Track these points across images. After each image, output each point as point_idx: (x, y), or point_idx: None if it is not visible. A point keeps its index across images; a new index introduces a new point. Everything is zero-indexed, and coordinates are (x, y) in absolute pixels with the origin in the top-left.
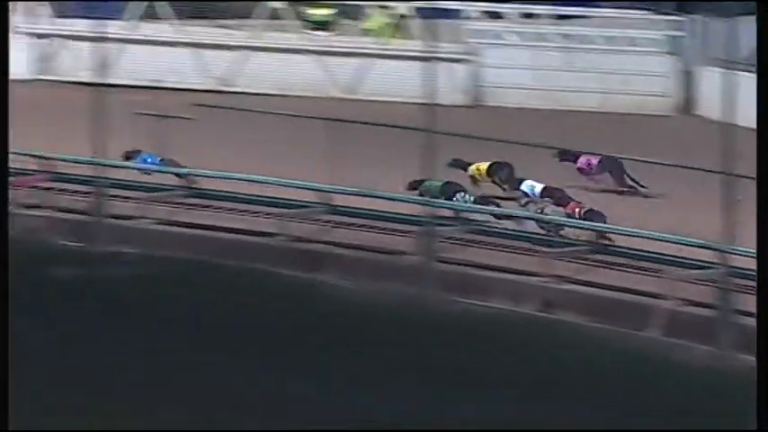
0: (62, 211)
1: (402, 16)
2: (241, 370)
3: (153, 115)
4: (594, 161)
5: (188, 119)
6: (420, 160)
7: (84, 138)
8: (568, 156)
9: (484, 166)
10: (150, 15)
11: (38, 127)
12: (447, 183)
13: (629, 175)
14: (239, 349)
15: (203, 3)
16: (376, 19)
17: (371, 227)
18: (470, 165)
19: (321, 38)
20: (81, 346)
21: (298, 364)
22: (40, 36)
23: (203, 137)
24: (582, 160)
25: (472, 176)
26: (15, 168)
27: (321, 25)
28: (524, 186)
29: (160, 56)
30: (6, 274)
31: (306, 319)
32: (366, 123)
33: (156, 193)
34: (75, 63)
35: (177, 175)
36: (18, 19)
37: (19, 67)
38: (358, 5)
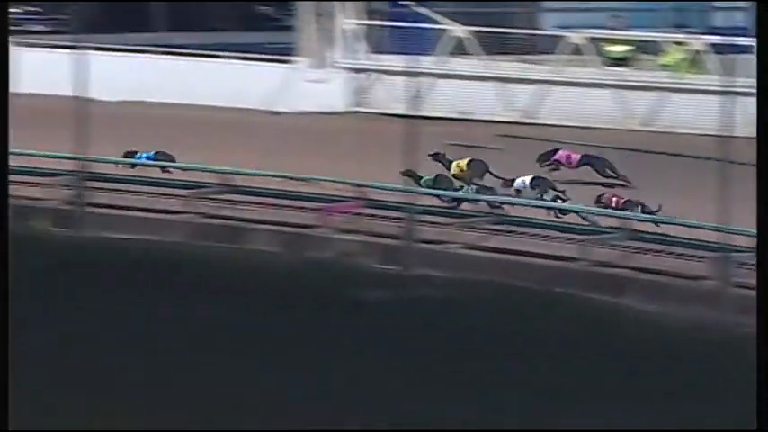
0: (375, 236)
1: (698, 52)
2: (553, 395)
3: (463, 146)
4: (575, 156)
5: (495, 149)
6: (715, 189)
7: (396, 167)
8: (549, 154)
9: (463, 162)
10: (459, 51)
11: (352, 156)
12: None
13: (612, 169)
14: (547, 374)
15: (508, 38)
16: (673, 54)
17: (668, 252)
18: (452, 162)
19: (619, 73)
20: (397, 367)
21: (613, 392)
22: (357, 71)
23: (508, 166)
24: (560, 154)
25: (454, 174)
26: (332, 195)
27: (620, 61)
28: (517, 183)
29: (468, 89)
30: (6, 273)
31: (613, 344)
32: (663, 153)
33: (464, 219)
34: (389, 96)
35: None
36: (336, 54)
37: (335, 99)
38: (655, 42)
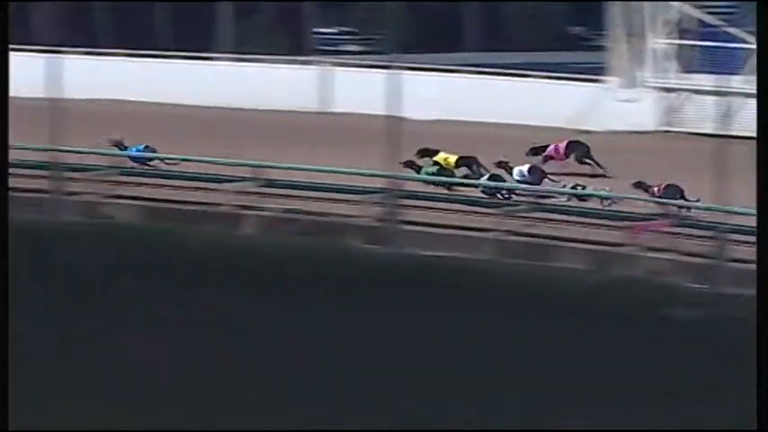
0: (685, 255)
1: None
2: None
3: None
4: (562, 145)
5: None
6: None
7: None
8: (538, 150)
9: (452, 159)
10: None
11: (662, 175)
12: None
13: (591, 157)
14: None
15: None
16: None
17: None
18: (438, 152)
19: None
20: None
21: None
22: (667, 90)
23: None
24: (550, 148)
25: (436, 162)
26: (640, 214)
27: None
28: (516, 173)
29: None
30: (6, 273)
31: None
32: None
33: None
34: (699, 115)
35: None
36: (647, 73)
37: (645, 118)
38: None
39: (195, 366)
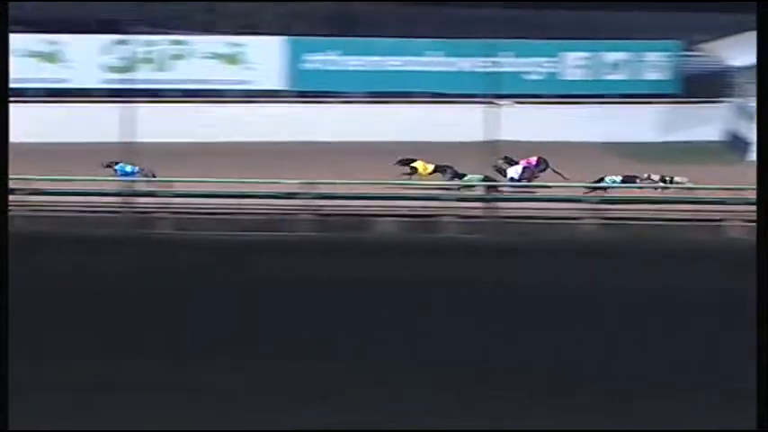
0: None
1: None
2: None
3: None
4: (533, 160)
5: None
6: None
7: None
8: (511, 161)
9: (430, 167)
10: None
11: None
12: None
13: (554, 169)
14: None
15: None
16: None
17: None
18: (415, 161)
19: None
20: None
21: None
22: None
23: None
24: (522, 162)
25: (413, 167)
26: None
27: None
28: (511, 172)
29: None
30: (6, 271)
31: None
32: None
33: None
34: None
35: None
36: None
37: None
38: None
39: None
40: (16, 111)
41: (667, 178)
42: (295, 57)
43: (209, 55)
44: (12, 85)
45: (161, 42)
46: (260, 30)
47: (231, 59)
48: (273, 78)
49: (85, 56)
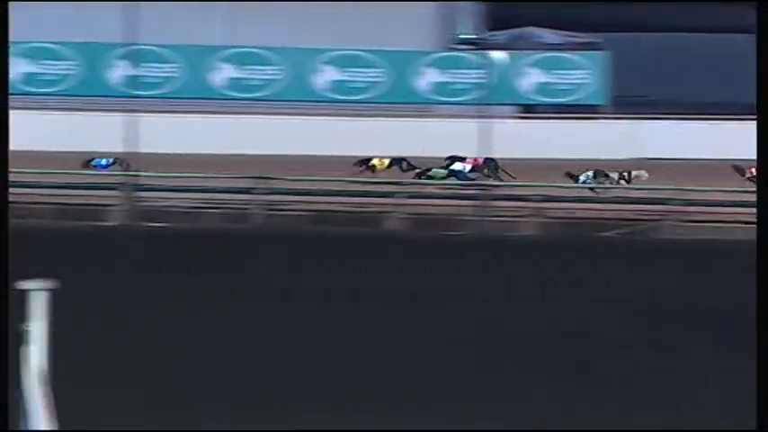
0: None
1: None
2: None
3: None
4: (481, 160)
5: None
6: None
7: None
8: (459, 158)
9: (386, 161)
10: None
11: None
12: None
13: (503, 169)
14: None
15: None
16: None
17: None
18: (372, 159)
19: None
20: None
21: None
22: None
23: None
24: (469, 160)
25: (373, 165)
26: None
27: None
28: (456, 167)
29: None
30: (6, 270)
31: None
32: None
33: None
34: None
35: None
36: None
37: None
38: None
39: None
40: None
41: (625, 174)
42: None
43: None
44: None
45: None
46: None
47: None
48: None
49: None
